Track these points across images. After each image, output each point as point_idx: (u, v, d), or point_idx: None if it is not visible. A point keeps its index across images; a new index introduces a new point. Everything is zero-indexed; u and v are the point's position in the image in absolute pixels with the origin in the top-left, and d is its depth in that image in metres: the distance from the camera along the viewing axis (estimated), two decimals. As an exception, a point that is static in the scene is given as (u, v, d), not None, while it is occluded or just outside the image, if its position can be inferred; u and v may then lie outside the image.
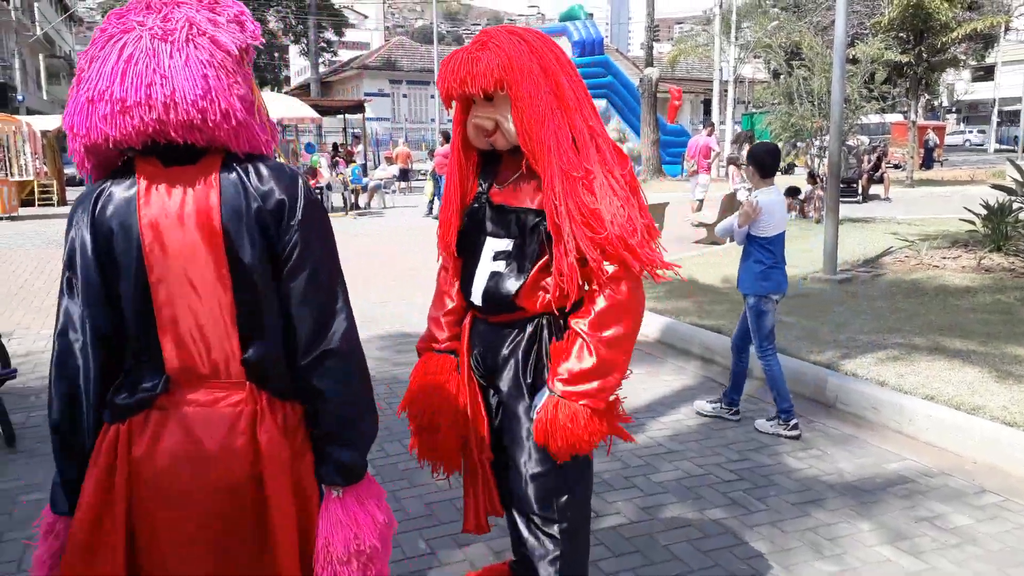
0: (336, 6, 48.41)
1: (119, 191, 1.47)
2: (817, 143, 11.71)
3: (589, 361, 1.95)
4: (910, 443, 4.00)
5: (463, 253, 2.17)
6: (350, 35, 55.95)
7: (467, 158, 2.16)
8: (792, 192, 12.60)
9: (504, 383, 2.13)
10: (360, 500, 1.55)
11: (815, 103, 11.39)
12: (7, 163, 18.36)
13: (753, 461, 3.81)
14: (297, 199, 1.49)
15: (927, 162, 28.15)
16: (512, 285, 2.03)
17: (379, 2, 79.77)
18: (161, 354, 1.47)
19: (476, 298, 2.11)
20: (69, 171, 20.94)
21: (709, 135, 13.45)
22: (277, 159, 1.60)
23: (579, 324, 1.99)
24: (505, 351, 2.11)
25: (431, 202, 15.60)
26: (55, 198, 19.14)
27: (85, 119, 1.44)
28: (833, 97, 7.55)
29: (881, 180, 17.76)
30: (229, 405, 1.48)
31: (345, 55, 52.47)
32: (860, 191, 16.98)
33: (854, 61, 12.69)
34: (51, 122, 20.26)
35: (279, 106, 18.85)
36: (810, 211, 12.04)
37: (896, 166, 23.34)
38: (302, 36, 43.25)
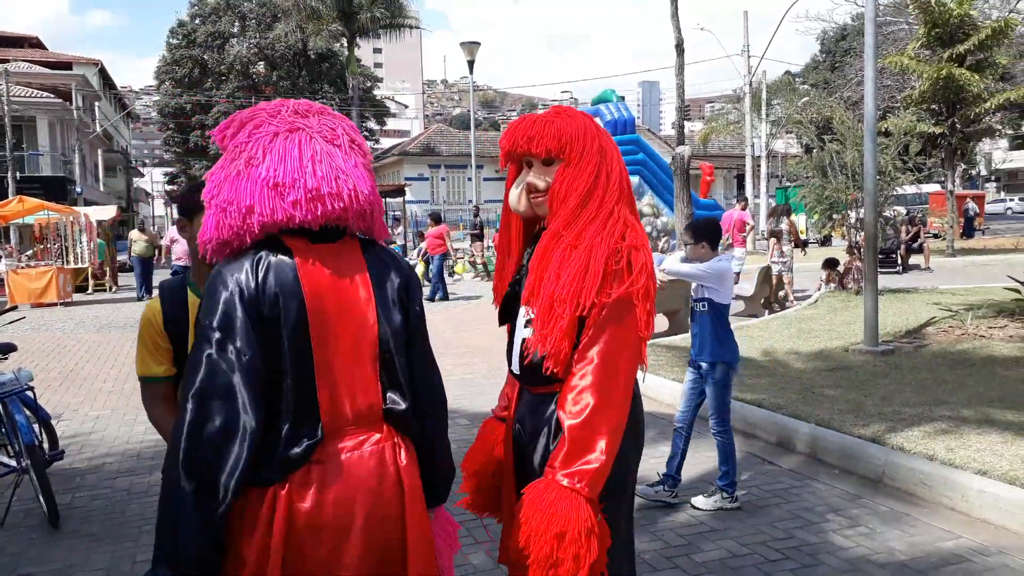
0: (378, 97, 50.43)
1: (277, 260, 1.64)
2: (853, 215, 11.68)
3: (565, 445, 1.88)
4: (964, 520, 3.84)
5: (507, 322, 2.22)
6: (391, 124, 58.01)
7: (509, 226, 2.23)
8: (830, 264, 12.50)
9: (536, 456, 2.09)
10: (447, 515, 1.98)
11: (849, 175, 11.41)
12: (64, 252, 19.13)
13: (799, 539, 3.69)
14: (415, 279, 1.84)
15: (968, 231, 27.75)
16: (538, 352, 2.00)
17: (419, 92, 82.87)
18: (317, 406, 1.63)
19: (515, 367, 2.14)
20: (121, 257, 21.78)
21: (743, 209, 13.52)
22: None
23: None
24: (540, 423, 2.08)
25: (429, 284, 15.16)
26: (108, 285, 19.83)
27: (269, 201, 1.63)
28: (866, 169, 7.57)
29: (920, 250, 17.53)
30: (373, 444, 1.69)
31: (387, 142, 54.27)
32: (899, 261, 16.76)
33: (886, 134, 12.74)
34: (108, 212, 21.18)
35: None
36: (849, 282, 11.90)
37: (935, 236, 23.04)
38: (345, 125, 44.91)
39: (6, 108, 26.07)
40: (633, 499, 2.24)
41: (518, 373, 2.13)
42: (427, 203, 39.27)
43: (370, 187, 1.72)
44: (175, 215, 15.56)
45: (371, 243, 1.79)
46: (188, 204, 2.26)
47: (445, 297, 15.13)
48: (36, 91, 31.51)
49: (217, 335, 1.56)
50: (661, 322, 9.98)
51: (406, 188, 27.31)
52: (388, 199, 26.92)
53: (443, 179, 41.66)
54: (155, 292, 2.33)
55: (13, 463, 4.44)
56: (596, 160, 2.01)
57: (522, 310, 2.11)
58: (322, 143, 1.68)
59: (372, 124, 48.88)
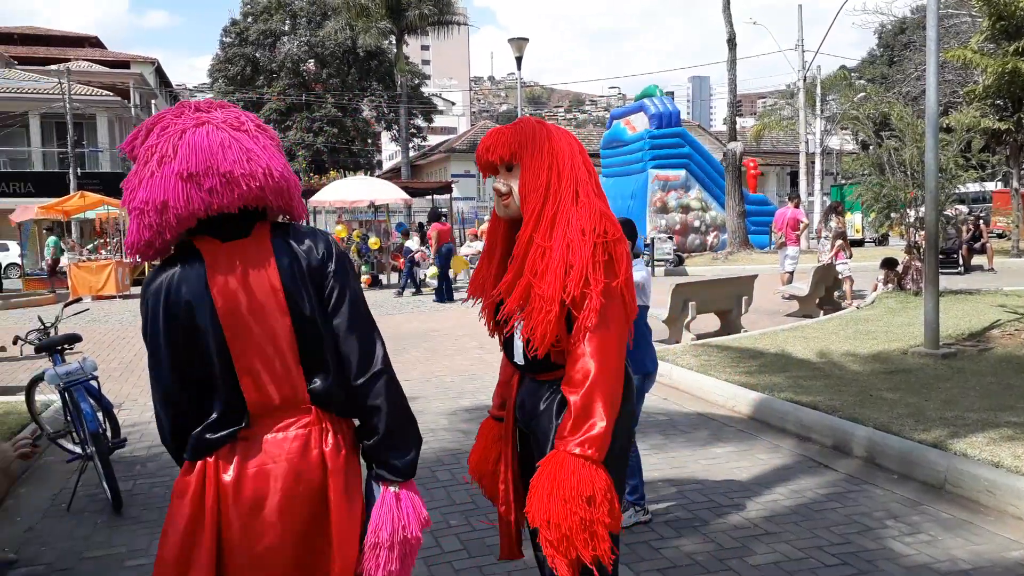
0: (426, 95, 50.77)
1: (186, 270, 1.77)
2: (912, 213, 11.35)
3: (570, 417, 2.06)
4: (1032, 530, 3.70)
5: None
6: (438, 121, 58.34)
7: (495, 230, 2.43)
8: (889, 264, 12.18)
9: (539, 435, 2.29)
10: (410, 496, 1.88)
11: (908, 173, 11.10)
12: (123, 246, 19.71)
13: (856, 545, 3.60)
14: (332, 251, 1.85)
15: (1034, 231, 26.74)
16: (529, 342, 2.19)
17: (465, 90, 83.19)
18: (242, 394, 1.77)
19: (519, 358, 2.33)
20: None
21: (795, 207, 13.26)
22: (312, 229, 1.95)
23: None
24: (542, 405, 2.28)
25: (439, 286, 14.86)
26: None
27: (183, 193, 1.72)
28: (927, 167, 7.35)
29: (983, 250, 16.97)
30: (299, 427, 1.81)
31: (433, 139, 54.61)
32: (961, 262, 16.26)
33: (948, 130, 12.36)
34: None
35: (372, 188, 19.68)
36: (908, 283, 11.58)
37: (1000, 235, 22.29)
38: (394, 123, 45.39)
39: (68, 106, 26.92)
40: (625, 471, 2.41)
41: (522, 364, 2.32)
42: (473, 200, 39.43)
43: (282, 165, 1.81)
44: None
45: (282, 228, 1.86)
46: None
47: (417, 292, 15.92)
48: (96, 89, 32.46)
49: (151, 338, 1.80)
50: (712, 322, 9.85)
51: (453, 185, 27.42)
52: (435, 196, 27.13)
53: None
54: None
55: (79, 450, 4.60)
56: (548, 160, 2.18)
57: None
58: (229, 131, 1.77)
59: (419, 121, 49.24)
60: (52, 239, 21.15)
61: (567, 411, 2.08)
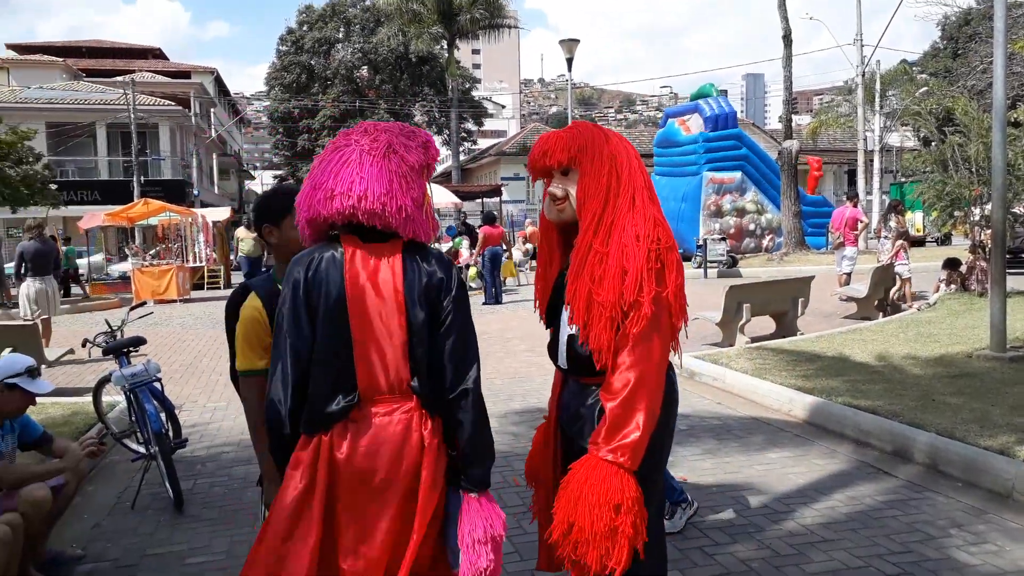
0: (476, 98, 51.06)
1: (328, 255, 2.05)
2: (978, 211, 10.96)
3: (606, 423, 2.09)
4: (1108, 542, 3.54)
5: (552, 323, 2.44)
6: (488, 124, 58.61)
7: (547, 233, 2.47)
8: (951, 264, 11.79)
9: (580, 439, 2.29)
10: (489, 500, 2.11)
11: (973, 170, 10.72)
12: (183, 251, 20.30)
13: (918, 554, 3.50)
14: (452, 281, 2.09)
15: (1109, 229, 25.55)
16: (583, 347, 2.21)
17: (516, 92, 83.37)
18: (355, 376, 2.01)
19: (562, 362, 2.37)
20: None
21: (854, 206, 12.91)
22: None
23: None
24: (583, 409, 2.31)
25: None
26: (221, 282, 20.89)
27: (307, 200, 2.06)
28: (994, 163, 7.10)
29: (1054, 249, 16.28)
30: (403, 412, 2.03)
31: (483, 143, 54.87)
32: (1030, 261, 15.64)
33: (1016, 124, 11.90)
34: (222, 213, 22.26)
35: (422, 192, 19.82)
36: (972, 283, 11.18)
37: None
38: (444, 127, 45.76)
39: (132, 116, 27.87)
40: (663, 479, 2.41)
41: (566, 367, 2.35)
42: (523, 203, 39.47)
43: (385, 190, 2.01)
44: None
45: (416, 246, 2.11)
46: (272, 209, 2.60)
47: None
48: (158, 99, 33.55)
49: (281, 318, 2.04)
50: (768, 324, 9.68)
51: (503, 188, 27.52)
52: (486, 199, 27.26)
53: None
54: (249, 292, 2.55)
55: (143, 449, 4.75)
56: (608, 166, 2.21)
57: (565, 310, 2.30)
58: (358, 154, 2.04)
59: (470, 125, 49.53)
60: (69, 248, 20.30)
61: (603, 418, 2.11)
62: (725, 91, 27.79)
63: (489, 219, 15.99)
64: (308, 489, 1.98)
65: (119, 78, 33.55)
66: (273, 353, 2.04)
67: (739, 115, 26.64)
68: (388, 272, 2.04)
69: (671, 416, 2.31)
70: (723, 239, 20.11)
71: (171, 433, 4.72)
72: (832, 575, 3.33)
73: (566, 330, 2.32)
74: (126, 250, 21.76)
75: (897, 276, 11.29)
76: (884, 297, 11.10)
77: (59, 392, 6.25)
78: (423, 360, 2.05)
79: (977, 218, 11.02)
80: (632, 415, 2.06)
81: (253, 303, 2.45)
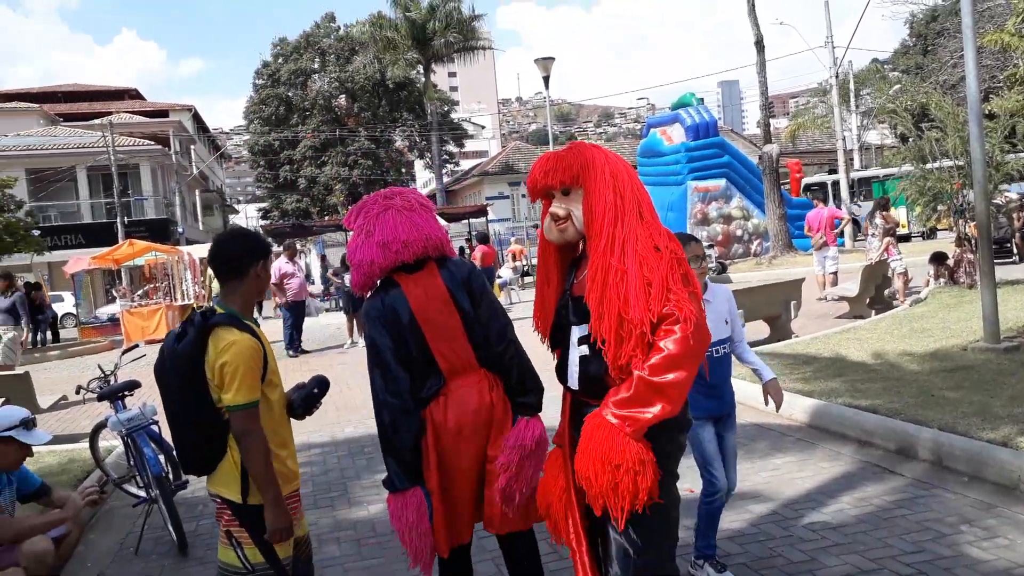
0: (455, 120, 51.26)
1: (392, 291, 2.79)
2: (960, 204, 11.06)
3: (630, 391, 2.15)
4: (1118, 527, 3.54)
5: (558, 344, 2.48)
6: (470, 145, 58.80)
7: (546, 255, 2.50)
8: (939, 258, 11.88)
9: None
10: (533, 423, 2.85)
11: (953, 163, 10.82)
12: (172, 289, 20.18)
13: (931, 552, 3.48)
14: (472, 269, 2.93)
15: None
16: (597, 367, 2.25)
17: (494, 113, 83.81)
18: (438, 365, 2.78)
19: (573, 383, 2.38)
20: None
21: (825, 205, 13.04)
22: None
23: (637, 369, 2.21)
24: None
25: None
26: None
27: (382, 254, 2.77)
28: (973, 156, 7.17)
29: (1038, 237, 16.45)
30: (475, 380, 2.83)
31: (466, 164, 55.01)
32: (1015, 251, 15.78)
33: (990, 116, 12.04)
34: (207, 250, 22.11)
35: (408, 217, 19.86)
36: (961, 276, 11.25)
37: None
38: (426, 151, 45.90)
39: (112, 158, 27.80)
40: (676, 469, 2.43)
41: (576, 388, 2.36)
42: (509, 221, 39.53)
43: (434, 228, 2.84)
44: (277, 250, 15.82)
45: (443, 260, 2.87)
46: (257, 249, 2.72)
47: None
48: (138, 139, 33.50)
49: (374, 342, 2.78)
50: (762, 328, 9.69)
51: (488, 208, 27.58)
52: (471, 219, 27.28)
53: (523, 195, 41.87)
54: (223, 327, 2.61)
55: (143, 494, 4.69)
56: (611, 183, 2.24)
57: (575, 331, 2.34)
58: (403, 212, 2.81)
59: (451, 147, 49.67)
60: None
61: (628, 381, 2.13)
62: (703, 99, 28.01)
63: (483, 239, 16.11)
64: (427, 443, 2.79)
65: (97, 120, 33.56)
66: (380, 373, 2.75)
67: (719, 123, 26.81)
68: (435, 287, 2.79)
69: (687, 413, 2.38)
70: (711, 246, 20.19)
71: (171, 475, 4.66)
72: (847, 579, 3.31)
73: (576, 351, 2.31)
74: (114, 292, 21.60)
75: (892, 272, 11.34)
76: (876, 295, 11.15)
77: (54, 440, 6.16)
78: (479, 335, 2.81)
79: (960, 211, 11.12)
80: (655, 400, 2.11)
81: (245, 340, 2.47)
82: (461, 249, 21.14)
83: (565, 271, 2.47)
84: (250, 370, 2.45)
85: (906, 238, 23.15)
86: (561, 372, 2.42)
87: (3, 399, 7.68)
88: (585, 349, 2.28)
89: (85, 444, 5.99)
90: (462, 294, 2.79)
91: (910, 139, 12.25)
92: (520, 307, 17.79)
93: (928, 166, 11.13)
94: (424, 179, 59.96)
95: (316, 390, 2.79)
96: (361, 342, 13.30)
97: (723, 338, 3.45)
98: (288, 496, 2.62)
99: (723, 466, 3.40)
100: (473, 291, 2.82)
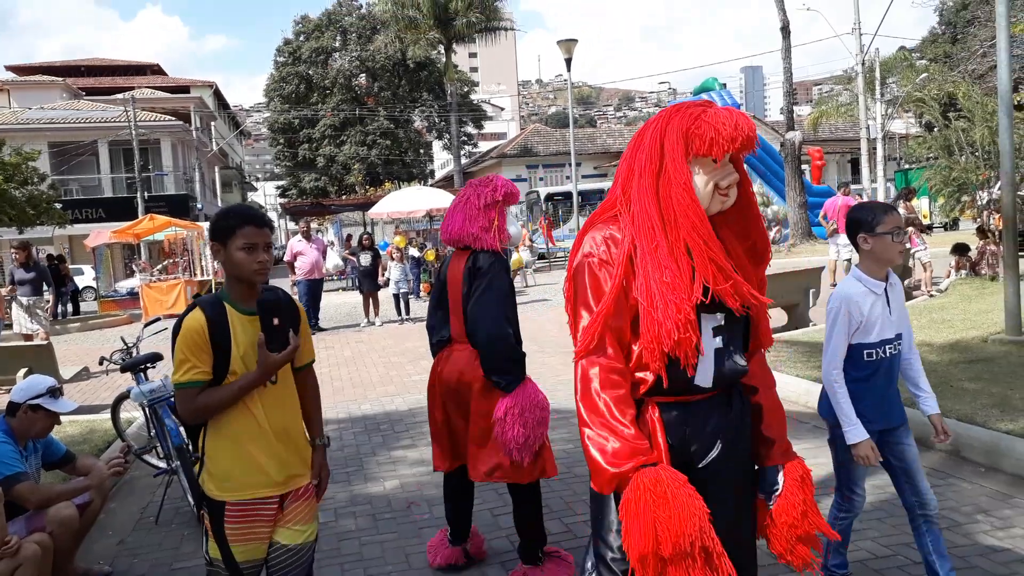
0: (475, 102, 51.09)
1: (447, 261, 3.55)
2: (985, 195, 10.92)
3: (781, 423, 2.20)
4: None
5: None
6: (488, 127, 58.65)
7: (679, 239, 1.99)
8: (960, 249, 11.75)
9: (738, 457, 2.11)
10: (513, 395, 3.26)
11: (979, 154, 10.68)
12: (191, 264, 20.35)
13: (947, 541, 3.45)
14: (482, 262, 3.36)
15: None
16: (740, 359, 2.05)
17: (514, 95, 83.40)
18: (450, 327, 3.46)
19: (705, 381, 1.97)
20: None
21: (845, 195, 12.97)
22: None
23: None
24: (724, 424, 2.04)
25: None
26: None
27: (444, 236, 3.54)
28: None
29: (1064, 230, 16.19)
30: (468, 349, 3.36)
31: (484, 146, 54.89)
32: (1040, 243, 15.56)
33: (1019, 107, 11.86)
34: (227, 226, 22.14)
35: (425, 198, 19.90)
36: (983, 268, 11.13)
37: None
38: (445, 132, 45.82)
39: (134, 133, 27.97)
40: None
41: (708, 386, 1.98)
42: (523, 203, 39.42)
43: (460, 225, 3.41)
44: (292, 228, 15.99)
45: (476, 251, 3.38)
46: (220, 229, 2.39)
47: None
48: (159, 115, 33.66)
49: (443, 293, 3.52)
50: (780, 316, 9.65)
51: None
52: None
53: (541, 179, 41.77)
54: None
55: (163, 464, 4.76)
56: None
57: (707, 320, 1.95)
58: (458, 207, 3.46)
59: (470, 128, 49.55)
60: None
61: (781, 420, 2.20)
62: (724, 84, 27.76)
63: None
64: (432, 385, 3.52)
65: (119, 95, 33.73)
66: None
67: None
68: (460, 268, 3.38)
69: None
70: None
71: (191, 446, 4.72)
72: (860, 565, 3.32)
73: (711, 343, 1.96)
74: (133, 266, 21.80)
75: (917, 261, 11.23)
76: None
77: (75, 410, 6.27)
78: (470, 318, 3.32)
79: (985, 202, 10.98)
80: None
81: (189, 321, 2.35)
82: None
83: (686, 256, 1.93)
84: (189, 351, 2.32)
85: (928, 229, 22.90)
86: (674, 368, 1.93)
87: (27, 368, 7.82)
88: (719, 341, 1.98)
89: (105, 415, 6.09)
90: (467, 279, 3.34)
91: (936, 128, 12.09)
92: (535, 290, 17.78)
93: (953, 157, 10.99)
94: (442, 160, 59.93)
95: (275, 320, 2.36)
96: (377, 322, 13.40)
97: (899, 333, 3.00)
98: (260, 499, 2.40)
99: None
100: (471, 284, 3.34)
